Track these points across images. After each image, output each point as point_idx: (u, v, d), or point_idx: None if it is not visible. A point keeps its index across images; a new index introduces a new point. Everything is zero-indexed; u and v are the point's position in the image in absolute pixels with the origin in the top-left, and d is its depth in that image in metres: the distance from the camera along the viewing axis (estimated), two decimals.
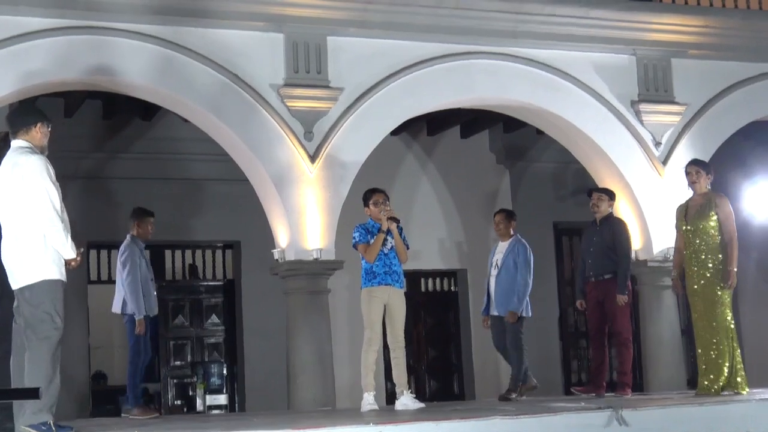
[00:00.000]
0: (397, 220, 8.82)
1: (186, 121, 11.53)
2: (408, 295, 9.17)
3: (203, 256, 14.41)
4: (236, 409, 13.97)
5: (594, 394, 9.58)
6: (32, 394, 5.86)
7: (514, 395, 9.59)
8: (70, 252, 6.30)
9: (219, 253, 14.40)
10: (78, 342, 12.67)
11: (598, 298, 9.76)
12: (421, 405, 8.69)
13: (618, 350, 9.89)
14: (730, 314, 8.85)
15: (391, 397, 12.13)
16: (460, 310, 14.92)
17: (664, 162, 11.91)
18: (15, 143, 6.42)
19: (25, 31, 9.67)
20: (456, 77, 11.23)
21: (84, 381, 13.07)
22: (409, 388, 8.98)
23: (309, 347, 10.45)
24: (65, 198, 6.42)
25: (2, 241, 6.38)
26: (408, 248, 8.93)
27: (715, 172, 9.26)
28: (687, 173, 9.17)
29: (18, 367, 6.29)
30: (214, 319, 14.38)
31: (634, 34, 11.82)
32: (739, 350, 8.92)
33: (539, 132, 13.14)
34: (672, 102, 12.06)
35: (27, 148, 6.38)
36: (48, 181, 6.26)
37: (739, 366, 8.83)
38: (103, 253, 13.62)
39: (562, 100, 11.64)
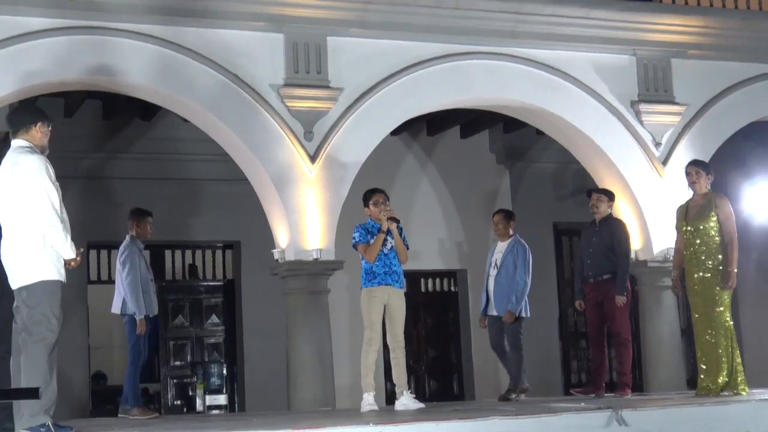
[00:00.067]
0: (397, 221, 8.82)
1: (186, 121, 11.53)
2: (408, 296, 9.16)
3: (203, 256, 14.41)
4: (236, 409, 13.97)
5: (593, 395, 9.59)
6: (32, 393, 5.84)
7: (513, 395, 9.61)
8: (69, 252, 6.28)
9: (219, 253, 14.40)
10: (78, 342, 12.68)
11: (597, 299, 9.76)
12: (421, 405, 8.69)
13: (617, 350, 9.89)
14: (729, 315, 8.85)
15: (391, 398, 12.13)
16: (459, 311, 14.92)
17: (664, 162, 11.91)
18: (15, 143, 6.40)
19: (25, 31, 9.67)
20: (456, 77, 11.23)
21: (84, 381, 13.07)
22: (409, 388, 8.98)
23: (309, 347, 10.44)
24: (65, 198, 6.40)
25: (2, 240, 6.36)
26: (408, 248, 8.93)
27: (715, 173, 9.25)
28: (687, 174, 9.16)
29: (18, 368, 6.25)
30: (214, 319, 14.38)
31: (634, 35, 11.81)
32: (738, 350, 8.92)
33: (539, 132, 13.13)
34: (672, 102, 12.05)
35: (27, 147, 6.36)
36: (47, 181, 6.24)
37: (739, 366, 8.82)
38: (103, 253, 13.63)
39: (562, 100, 11.64)
